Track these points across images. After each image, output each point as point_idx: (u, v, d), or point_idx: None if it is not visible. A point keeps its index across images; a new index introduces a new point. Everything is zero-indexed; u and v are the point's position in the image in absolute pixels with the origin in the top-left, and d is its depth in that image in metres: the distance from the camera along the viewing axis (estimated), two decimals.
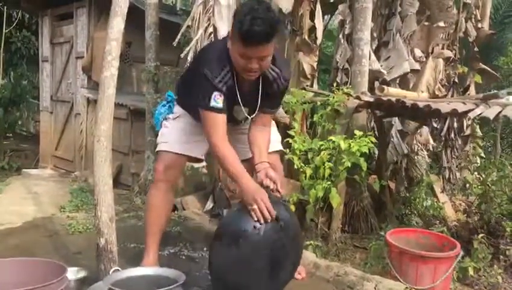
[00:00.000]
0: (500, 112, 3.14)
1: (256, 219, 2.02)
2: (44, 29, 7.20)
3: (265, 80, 2.28)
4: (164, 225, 2.61)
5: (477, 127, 5.51)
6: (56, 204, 4.40)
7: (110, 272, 2.15)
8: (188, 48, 3.86)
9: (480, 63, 5.49)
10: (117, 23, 2.35)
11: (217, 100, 2.15)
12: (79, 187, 5.29)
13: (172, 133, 2.52)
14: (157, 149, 2.56)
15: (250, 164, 2.43)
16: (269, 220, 2.02)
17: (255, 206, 2.02)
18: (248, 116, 2.37)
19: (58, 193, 5.02)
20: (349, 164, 3.45)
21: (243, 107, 2.33)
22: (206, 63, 2.20)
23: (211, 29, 3.85)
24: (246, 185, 2.10)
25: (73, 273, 2.32)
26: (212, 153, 2.30)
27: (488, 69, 5.57)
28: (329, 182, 3.45)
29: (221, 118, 2.18)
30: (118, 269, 2.18)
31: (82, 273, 2.41)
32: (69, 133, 6.77)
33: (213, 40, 3.84)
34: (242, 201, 2.12)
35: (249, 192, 2.07)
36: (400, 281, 2.65)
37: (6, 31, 9.19)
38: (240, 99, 2.28)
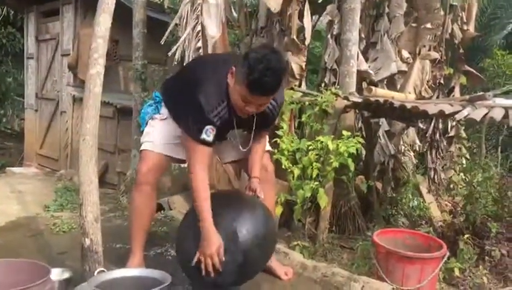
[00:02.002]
0: (486, 114, 3.17)
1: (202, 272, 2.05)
2: (29, 26, 7.10)
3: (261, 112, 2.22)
4: (148, 225, 2.63)
5: (462, 128, 5.55)
6: (40, 203, 4.34)
7: (95, 273, 2.13)
8: (175, 46, 3.83)
9: (466, 65, 5.53)
10: (104, 21, 2.32)
11: (209, 134, 2.10)
12: (64, 186, 5.22)
13: (158, 133, 2.49)
14: (140, 148, 2.54)
15: (238, 164, 2.59)
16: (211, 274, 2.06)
17: (203, 259, 2.04)
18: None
19: (42, 192, 4.95)
20: (336, 165, 3.46)
21: (236, 131, 2.36)
22: (204, 93, 2.11)
23: (199, 28, 3.83)
24: (207, 229, 2.06)
25: (57, 274, 2.29)
26: (189, 178, 2.20)
27: (474, 71, 5.60)
28: (317, 183, 3.45)
29: (208, 151, 2.16)
30: (103, 270, 2.16)
31: (66, 274, 2.38)
32: (54, 131, 6.68)
33: (201, 38, 3.82)
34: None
35: (208, 241, 2.04)
36: (387, 282, 2.66)
37: None
38: (235, 127, 2.27)
